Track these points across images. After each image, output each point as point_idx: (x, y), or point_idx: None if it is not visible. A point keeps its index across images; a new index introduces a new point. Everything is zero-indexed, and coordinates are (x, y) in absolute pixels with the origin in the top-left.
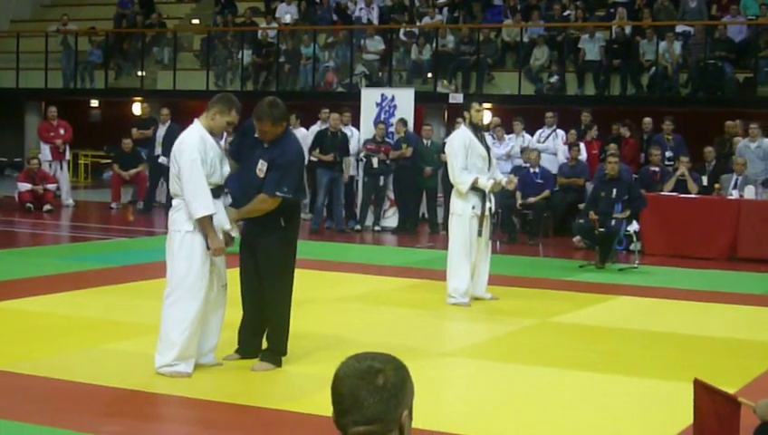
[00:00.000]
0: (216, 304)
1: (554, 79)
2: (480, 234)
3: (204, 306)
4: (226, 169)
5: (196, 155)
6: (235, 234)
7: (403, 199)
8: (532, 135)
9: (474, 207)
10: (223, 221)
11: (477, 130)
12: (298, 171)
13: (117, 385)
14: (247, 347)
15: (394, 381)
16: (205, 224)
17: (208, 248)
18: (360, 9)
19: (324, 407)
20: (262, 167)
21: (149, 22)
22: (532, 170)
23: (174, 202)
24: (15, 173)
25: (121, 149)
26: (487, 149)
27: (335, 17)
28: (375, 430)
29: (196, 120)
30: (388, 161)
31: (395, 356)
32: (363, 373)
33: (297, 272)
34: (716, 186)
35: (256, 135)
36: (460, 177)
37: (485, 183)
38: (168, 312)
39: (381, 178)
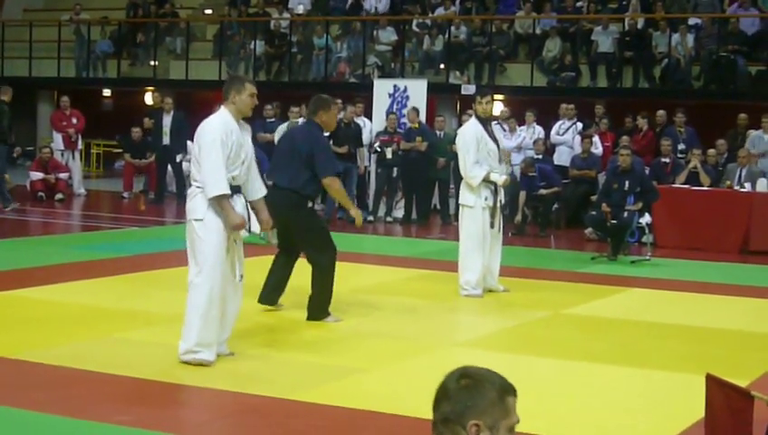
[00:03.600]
0: (232, 295)
1: (567, 74)
2: (492, 225)
3: (222, 290)
4: (244, 168)
5: (217, 136)
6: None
7: (413, 191)
8: (544, 127)
9: (486, 199)
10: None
11: (484, 123)
12: None
13: (128, 374)
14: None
15: (469, 387)
16: (221, 203)
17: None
18: None
19: (335, 397)
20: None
21: (162, 12)
22: (531, 174)
23: (189, 189)
24: (28, 162)
25: (131, 138)
26: (496, 142)
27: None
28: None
29: (222, 107)
30: (400, 152)
31: (497, 373)
32: (452, 375)
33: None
34: (728, 183)
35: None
36: (472, 171)
37: (498, 178)
38: (190, 296)
39: (395, 169)
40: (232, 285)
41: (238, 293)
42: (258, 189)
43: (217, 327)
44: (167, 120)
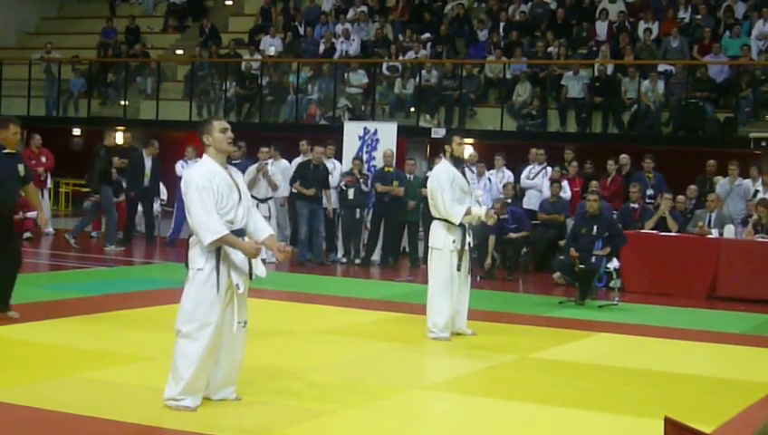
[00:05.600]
0: (235, 341)
1: (537, 120)
2: (459, 268)
3: (213, 343)
4: (242, 209)
5: (199, 183)
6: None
7: (380, 232)
8: (514, 171)
9: (453, 241)
10: (240, 263)
11: (458, 163)
12: None
13: (97, 415)
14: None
15: None
16: (225, 241)
17: (217, 288)
18: (342, 42)
19: None
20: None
21: (133, 52)
22: (503, 217)
23: (191, 239)
24: None
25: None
26: (467, 183)
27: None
28: None
29: (204, 154)
30: (364, 188)
31: None
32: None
33: (276, 304)
34: (699, 224)
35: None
36: (452, 208)
37: (479, 211)
38: (177, 346)
39: (357, 210)
40: (236, 332)
41: (242, 338)
42: (264, 229)
43: (206, 377)
44: (148, 163)
